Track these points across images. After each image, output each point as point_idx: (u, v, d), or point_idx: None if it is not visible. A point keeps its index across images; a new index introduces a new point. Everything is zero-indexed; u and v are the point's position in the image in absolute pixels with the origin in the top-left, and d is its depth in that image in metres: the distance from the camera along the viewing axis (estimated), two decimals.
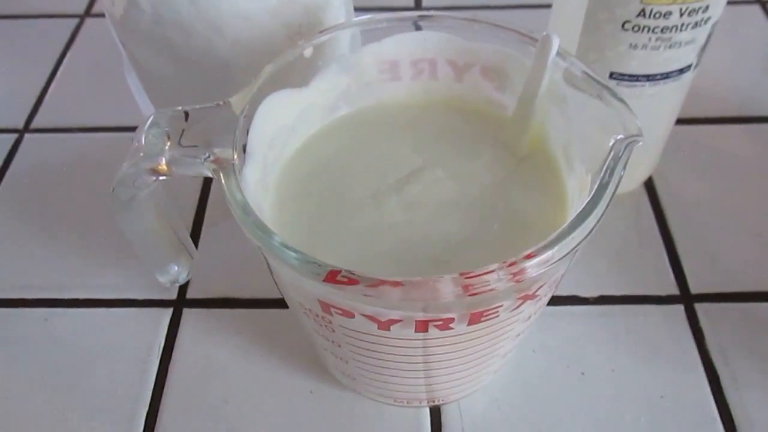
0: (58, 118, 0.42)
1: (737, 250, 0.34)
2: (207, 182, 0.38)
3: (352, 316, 0.20)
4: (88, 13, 0.50)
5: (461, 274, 0.18)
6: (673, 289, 0.32)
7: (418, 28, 0.26)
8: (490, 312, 0.20)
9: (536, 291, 0.20)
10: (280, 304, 0.32)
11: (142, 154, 0.22)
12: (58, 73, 0.45)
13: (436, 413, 0.29)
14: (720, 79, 0.42)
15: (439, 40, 0.26)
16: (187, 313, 0.32)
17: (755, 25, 0.47)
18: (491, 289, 0.18)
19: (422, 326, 0.20)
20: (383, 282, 0.18)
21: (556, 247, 0.18)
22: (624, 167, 0.20)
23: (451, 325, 0.20)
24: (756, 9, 0.48)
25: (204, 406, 0.29)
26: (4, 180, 0.39)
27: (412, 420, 0.28)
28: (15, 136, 0.41)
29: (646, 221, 0.35)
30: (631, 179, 0.36)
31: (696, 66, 0.30)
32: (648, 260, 0.33)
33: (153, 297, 0.33)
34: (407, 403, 0.28)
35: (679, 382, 0.29)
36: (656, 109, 0.32)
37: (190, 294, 0.33)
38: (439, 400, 0.28)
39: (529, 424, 0.28)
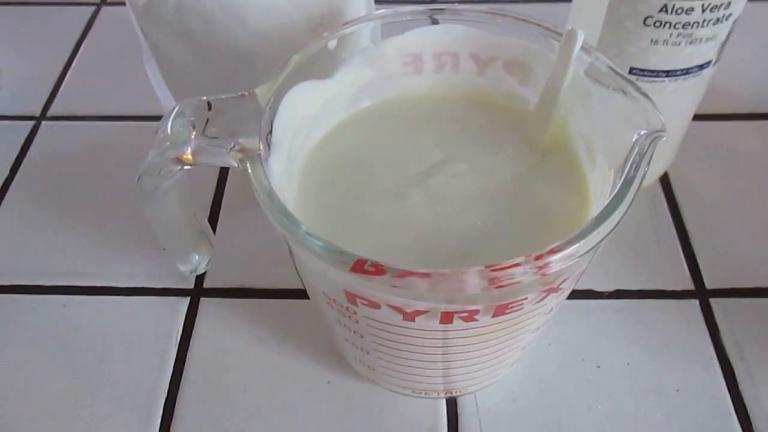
0: (74, 106, 0.43)
1: (752, 245, 0.34)
2: (223, 174, 0.38)
3: (378, 306, 0.20)
4: (104, 1, 0.50)
5: (487, 267, 0.18)
6: (689, 284, 0.32)
7: (439, 21, 0.26)
8: (514, 304, 0.20)
9: (560, 284, 0.20)
10: (297, 294, 0.33)
11: (168, 143, 0.22)
12: (75, 61, 0.46)
13: (452, 405, 0.29)
14: (736, 76, 0.42)
15: (462, 33, 0.26)
16: (205, 303, 0.33)
17: None
18: (517, 282, 0.18)
19: (447, 317, 0.20)
20: (411, 273, 0.18)
21: (582, 242, 0.19)
22: (648, 162, 0.21)
23: (476, 317, 0.20)
24: None
25: (222, 395, 0.29)
26: (22, 167, 0.39)
27: (429, 411, 0.29)
28: (32, 123, 0.42)
29: (661, 216, 0.35)
30: (648, 174, 0.36)
31: (716, 62, 0.30)
32: (663, 255, 0.34)
33: (170, 286, 0.33)
34: (425, 394, 0.28)
35: (694, 376, 0.29)
36: (675, 105, 0.32)
37: (207, 283, 0.33)
38: (456, 392, 0.28)
39: (545, 416, 0.28)
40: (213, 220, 0.36)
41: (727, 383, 0.29)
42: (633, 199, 0.20)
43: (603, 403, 0.29)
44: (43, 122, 0.42)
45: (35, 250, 0.35)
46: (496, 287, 0.18)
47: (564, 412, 0.29)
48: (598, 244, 0.19)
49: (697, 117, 0.35)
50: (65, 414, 0.29)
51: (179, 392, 0.30)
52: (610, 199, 0.20)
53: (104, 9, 0.50)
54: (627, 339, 0.31)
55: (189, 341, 0.31)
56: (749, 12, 0.30)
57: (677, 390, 0.29)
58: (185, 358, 0.31)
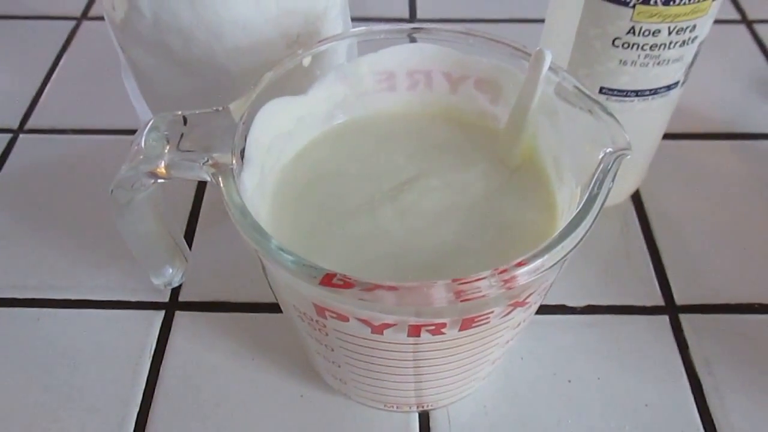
0: (52, 119, 0.43)
1: (721, 262, 0.35)
2: (200, 187, 0.39)
3: (347, 319, 0.20)
4: (84, 15, 0.51)
5: (454, 280, 0.18)
6: (659, 300, 0.33)
7: (413, 40, 0.27)
8: (481, 318, 0.20)
9: (526, 298, 0.21)
10: (272, 308, 0.33)
11: (141, 157, 0.22)
12: (54, 74, 0.46)
13: (424, 418, 0.29)
14: (705, 97, 0.43)
15: (434, 52, 0.26)
16: (179, 316, 0.33)
17: (740, 44, 0.48)
18: (482, 296, 0.18)
19: (415, 331, 0.20)
20: (378, 286, 0.18)
21: (546, 256, 0.19)
22: (613, 180, 0.21)
23: (443, 330, 0.20)
24: (741, 28, 0.50)
25: (195, 409, 0.29)
26: None
27: (401, 425, 0.29)
28: (9, 136, 0.41)
29: (632, 233, 0.36)
30: (619, 192, 0.37)
31: (683, 83, 0.31)
32: (634, 271, 0.34)
33: (145, 299, 0.33)
34: (397, 408, 0.28)
35: (663, 391, 0.30)
36: (644, 124, 0.33)
37: (182, 297, 0.33)
38: (428, 406, 0.29)
39: (517, 430, 0.29)
40: (190, 233, 0.36)
41: (695, 397, 0.30)
42: (597, 215, 0.20)
43: (573, 417, 0.29)
44: (20, 135, 0.42)
45: (9, 263, 0.35)
46: (462, 300, 0.18)
47: (535, 426, 0.29)
48: (562, 258, 0.19)
49: (667, 136, 0.36)
50: (37, 428, 0.29)
51: (152, 406, 0.30)
52: (574, 214, 0.20)
53: (84, 23, 0.50)
54: (598, 354, 0.31)
55: (163, 355, 0.31)
56: (714, 35, 0.31)
57: (646, 405, 0.29)
58: (159, 371, 0.31)
